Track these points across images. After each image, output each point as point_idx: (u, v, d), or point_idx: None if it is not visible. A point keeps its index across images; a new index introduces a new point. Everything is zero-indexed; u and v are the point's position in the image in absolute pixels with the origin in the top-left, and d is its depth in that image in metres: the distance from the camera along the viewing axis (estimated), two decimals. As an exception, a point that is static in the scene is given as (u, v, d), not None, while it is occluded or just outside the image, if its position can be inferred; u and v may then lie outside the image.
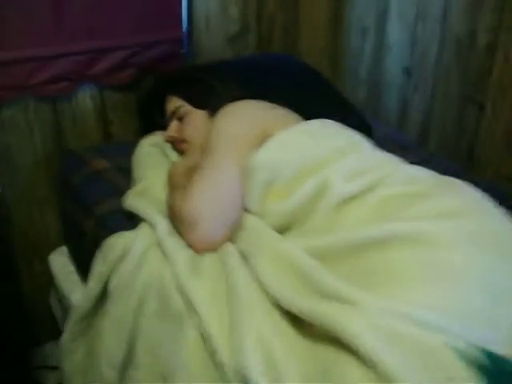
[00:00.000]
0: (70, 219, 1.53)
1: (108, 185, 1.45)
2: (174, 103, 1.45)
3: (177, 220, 1.16)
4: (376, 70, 1.96)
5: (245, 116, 1.27)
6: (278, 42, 1.93)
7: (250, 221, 1.16)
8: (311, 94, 1.63)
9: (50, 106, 1.61)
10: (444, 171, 1.20)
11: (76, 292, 1.52)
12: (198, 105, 1.43)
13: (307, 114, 1.47)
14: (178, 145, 1.45)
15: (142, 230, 1.22)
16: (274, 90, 1.54)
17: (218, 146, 1.20)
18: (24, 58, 1.51)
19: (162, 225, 1.19)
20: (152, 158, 1.45)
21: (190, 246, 1.13)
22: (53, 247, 1.69)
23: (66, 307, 1.56)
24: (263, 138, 1.21)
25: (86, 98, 1.66)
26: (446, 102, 1.75)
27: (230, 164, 1.17)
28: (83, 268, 1.48)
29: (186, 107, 1.43)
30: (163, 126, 1.54)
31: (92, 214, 1.38)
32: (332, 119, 1.48)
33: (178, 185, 1.25)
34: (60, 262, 1.66)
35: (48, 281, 1.66)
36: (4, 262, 1.70)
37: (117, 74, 1.67)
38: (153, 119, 1.60)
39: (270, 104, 1.34)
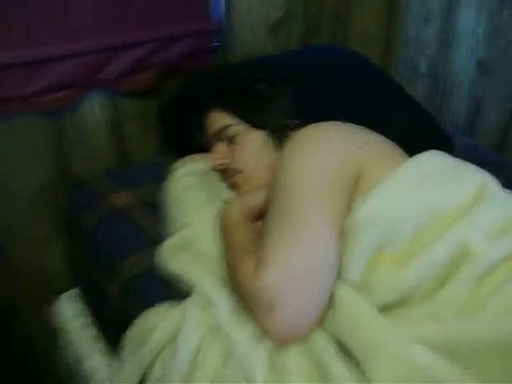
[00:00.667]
0: (85, 274, 1.19)
1: (133, 229, 1.12)
2: (221, 120, 1.13)
3: (247, 299, 0.84)
4: (440, 63, 1.62)
5: (332, 149, 0.92)
6: (327, 29, 1.58)
7: (346, 296, 0.84)
8: (386, 102, 1.30)
9: (50, 121, 1.26)
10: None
11: (94, 358, 1.20)
12: (255, 123, 1.11)
13: (385, 129, 1.17)
14: (229, 175, 1.13)
15: (193, 310, 0.90)
16: (346, 99, 1.22)
17: (300, 194, 0.86)
18: (13, 61, 1.15)
19: (226, 305, 0.87)
20: (194, 193, 1.12)
21: (267, 334, 0.81)
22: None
23: (74, 370, 1.24)
24: (358, 180, 0.89)
25: (94, 108, 1.31)
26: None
27: (321, 221, 0.84)
28: (105, 335, 1.16)
29: (237, 126, 1.11)
30: (198, 146, 1.21)
31: (116, 274, 1.05)
32: (412, 134, 1.21)
33: (237, 240, 0.95)
34: (69, 312, 1.33)
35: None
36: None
37: (133, 78, 1.32)
38: (186, 136, 1.27)
39: (356, 127, 1.00)
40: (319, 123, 0.98)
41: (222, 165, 1.13)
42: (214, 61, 1.40)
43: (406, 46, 1.68)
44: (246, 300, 0.85)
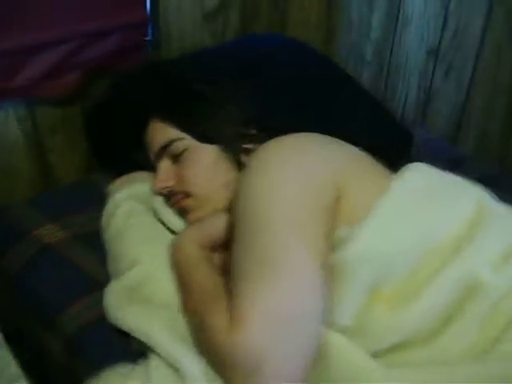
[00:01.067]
0: (11, 324, 0.99)
1: (70, 271, 0.94)
2: (163, 133, 0.95)
3: (221, 360, 0.69)
4: (387, 51, 1.52)
5: (309, 166, 0.78)
6: (265, 16, 1.42)
7: (338, 344, 0.72)
8: (338, 95, 1.17)
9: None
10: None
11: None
12: (205, 136, 0.93)
13: (339, 124, 1.07)
14: (177, 200, 0.96)
15: (159, 374, 0.75)
16: (300, 97, 1.08)
17: (275, 223, 0.72)
18: None
19: (194, 369, 0.73)
20: (139, 222, 0.95)
21: None
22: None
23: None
24: (338, 199, 0.76)
25: (9, 121, 1.09)
26: (492, 95, 1.35)
27: (302, 256, 0.70)
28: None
29: (184, 140, 0.94)
30: (134, 161, 1.04)
31: (56, 328, 0.87)
32: (373, 133, 1.11)
33: (198, 281, 0.80)
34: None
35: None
36: None
37: (52, 82, 1.11)
38: (118, 150, 1.09)
39: (329, 138, 0.86)
40: (287, 135, 0.83)
41: (168, 188, 0.96)
42: (146, 57, 1.22)
43: (351, 32, 1.57)
44: (219, 361, 0.70)
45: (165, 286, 0.85)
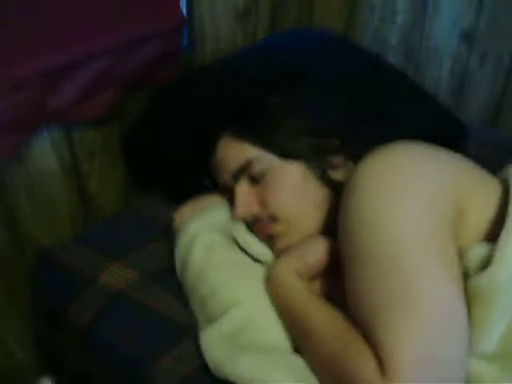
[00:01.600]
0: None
1: (149, 318, 0.84)
2: (240, 151, 0.86)
3: None
4: (415, 35, 1.45)
5: (428, 186, 0.70)
6: (293, 11, 1.32)
7: (486, 375, 0.67)
8: (399, 96, 1.09)
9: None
10: None
11: None
12: (288, 152, 0.84)
13: (399, 126, 0.99)
14: (263, 227, 0.87)
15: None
16: (362, 99, 1.01)
17: (409, 256, 0.65)
18: None
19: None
20: (224, 259, 0.85)
21: None
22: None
23: None
24: (461, 214, 0.70)
25: (45, 150, 0.97)
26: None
27: (445, 287, 0.64)
28: None
29: (265, 160, 0.84)
30: (195, 181, 0.95)
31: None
32: (430, 129, 1.02)
33: (315, 322, 0.72)
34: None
35: None
36: None
37: (89, 102, 0.99)
38: (175, 170, 0.99)
39: (433, 147, 0.78)
40: (390, 148, 0.75)
41: (253, 213, 0.87)
42: (181, 64, 1.11)
43: (371, 16, 1.48)
44: None
45: (271, 328, 0.78)
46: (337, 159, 0.84)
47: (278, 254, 0.86)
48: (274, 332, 0.78)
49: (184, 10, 1.07)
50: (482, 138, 1.24)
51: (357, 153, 0.81)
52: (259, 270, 0.84)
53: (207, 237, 0.86)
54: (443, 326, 0.62)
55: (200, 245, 0.85)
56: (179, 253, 0.86)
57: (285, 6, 1.30)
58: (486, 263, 0.65)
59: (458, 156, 0.78)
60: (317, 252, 0.80)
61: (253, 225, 0.88)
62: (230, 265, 0.84)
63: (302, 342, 0.74)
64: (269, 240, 0.87)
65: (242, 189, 0.87)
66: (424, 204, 0.68)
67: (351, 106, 0.95)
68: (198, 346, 0.77)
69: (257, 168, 0.84)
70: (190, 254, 0.85)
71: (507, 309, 0.65)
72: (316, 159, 0.84)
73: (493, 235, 0.67)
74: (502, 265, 0.63)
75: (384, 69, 1.15)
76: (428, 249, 0.65)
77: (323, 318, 0.72)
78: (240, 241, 0.88)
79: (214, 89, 0.98)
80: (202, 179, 0.94)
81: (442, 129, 1.12)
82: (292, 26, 1.34)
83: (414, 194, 0.69)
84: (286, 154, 0.84)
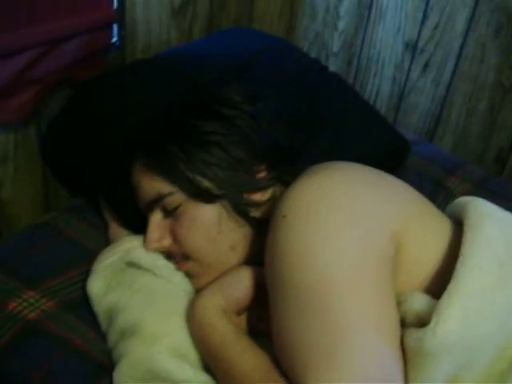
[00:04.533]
0: None
1: (65, 353, 0.74)
2: (153, 185, 0.76)
3: None
4: (357, 42, 1.40)
5: (364, 217, 0.63)
6: (233, 7, 1.24)
7: None
8: (332, 103, 1.04)
9: None
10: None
11: None
12: (200, 195, 0.74)
13: (342, 143, 0.98)
14: (177, 262, 0.79)
15: None
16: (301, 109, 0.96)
17: (335, 299, 0.58)
18: None
19: None
20: (147, 286, 0.77)
21: None
22: None
23: None
24: (397, 253, 0.63)
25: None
26: (474, 92, 1.29)
27: (379, 341, 0.57)
28: None
29: (177, 195, 0.74)
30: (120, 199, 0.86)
31: None
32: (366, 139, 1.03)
33: (237, 361, 0.65)
34: None
35: None
36: None
37: (4, 103, 0.88)
38: (90, 183, 0.90)
39: (374, 170, 0.72)
40: (319, 171, 0.68)
41: (166, 249, 0.78)
42: (108, 61, 1.01)
43: (314, 21, 1.43)
44: None
45: (196, 363, 0.71)
46: (260, 195, 0.76)
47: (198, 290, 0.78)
48: (199, 367, 0.71)
49: (115, 3, 0.97)
50: (422, 153, 1.22)
51: (288, 176, 0.75)
52: (181, 301, 0.76)
53: (123, 264, 0.79)
54: (373, 377, 0.55)
55: (126, 274, 0.78)
56: (95, 286, 0.78)
57: (224, 3, 1.22)
58: (421, 320, 0.60)
59: (402, 184, 0.72)
60: (242, 283, 0.73)
61: (169, 257, 0.79)
62: (151, 296, 0.76)
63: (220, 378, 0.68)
64: (187, 276, 0.79)
65: (155, 220, 0.77)
66: (358, 239, 0.61)
67: (291, 118, 0.88)
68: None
69: (169, 203, 0.75)
70: (111, 288, 0.77)
71: (434, 376, 0.59)
72: (235, 198, 0.74)
73: (437, 286, 0.61)
74: (434, 330, 0.57)
75: (326, 78, 1.10)
76: (360, 290, 0.59)
77: (246, 363, 0.65)
78: (143, 262, 0.79)
79: (134, 96, 0.90)
80: (122, 194, 0.84)
81: (386, 146, 1.08)
82: (230, 26, 1.26)
83: (347, 227, 0.62)
84: (199, 194, 0.74)
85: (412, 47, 1.33)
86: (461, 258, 0.60)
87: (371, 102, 1.42)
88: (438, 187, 1.11)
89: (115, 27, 0.99)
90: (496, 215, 0.67)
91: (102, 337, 0.76)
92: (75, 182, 0.98)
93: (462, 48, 1.26)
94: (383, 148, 1.06)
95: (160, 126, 0.78)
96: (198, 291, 0.76)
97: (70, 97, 0.97)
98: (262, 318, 0.73)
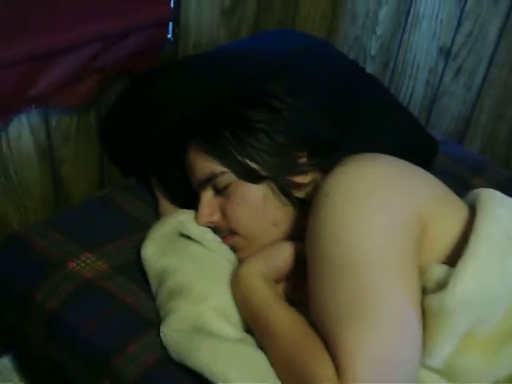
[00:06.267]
0: (54, 370, 0.89)
1: (117, 309, 0.85)
2: (207, 165, 0.86)
3: None
4: (394, 46, 1.48)
5: (394, 200, 0.72)
6: (278, 10, 1.34)
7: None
8: (374, 107, 1.12)
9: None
10: None
11: None
12: (249, 176, 0.84)
13: (378, 141, 1.06)
14: (223, 236, 0.88)
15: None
16: (337, 108, 1.03)
17: (370, 266, 0.68)
18: None
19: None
20: (196, 254, 0.87)
21: None
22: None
23: None
24: (422, 234, 0.72)
25: (23, 132, 0.97)
26: (503, 97, 1.35)
27: (403, 299, 0.67)
28: None
29: (228, 175, 0.85)
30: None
31: (115, 377, 0.79)
32: (403, 143, 1.11)
33: (278, 323, 0.74)
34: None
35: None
36: None
37: (71, 90, 0.99)
38: (149, 164, 1.00)
39: (402, 161, 0.81)
40: (358, 159, 0.77)
41: (214, 224, 0.88)
42: (162, 55, 1.11)
43: (353, 24, 1.51)
44: None
45: (236, 323, 0.80)
46: (301, 178, 0.85)
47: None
48: (239, 327, 0.80)
49: (172, 6, 1.07)
50: (450, 154, 1.29)
51: (326, 164, 0.84)
52: (226, 269, 0.85)
53: (175, 235, 0.89)
54: (397, 333, 0.65)
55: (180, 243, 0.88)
56: (150, 247, 0.88)
57: (269, 6, 1.31)
58: (441, 285, 0.68)
59: (428, 175, 0.81)
60: (283, 255, 0.82)
61: (216, 232, 0.89)
62: (201, 262, 0.86)
63: (263, 342, 0.76)
64: (232, 249, 0.89)
65: (207, 197, 0.87)
66: (389, 218, 0.70)
67: (330, 113, 0.97)
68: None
69: (220, 182, 0.85)
70: (164, 250, 0.87)
71: (455, 332, 0.68)
72: (279, 179, 0.84)
73: (453, 259, 0.69)
74: (453, 291, 0.66)
75: (363, 78, 1.18)
76: (389, 261, 0.68)
77: (285, 322, 0.74)
78: (193, 235, 0.88)
79: (186, 86, 0.99)
80: (175, 174, 0.94)
81: (416, 145, 1.16)
82: (275, 27, 1.35)
83: (381, 207, 0.71)
84: (248, 175, 0.84)
85: (446, 52, 1.40)
86: (473, 232, 0.69)
87: (405, 103, 1.49)
88: (463, 186, 1.18)
89: (170, 25, 1.10)
90: (505, 199, 0.76)
91: (151, 297, 0.86)
92: (129, 164, 1.09)
93: (493, 55, 1.33)
94: (413, 146, 1.14)
95: (214, 113, 0.88)
96: (241, 262, 0.86)
97: (127, 86, 1.07)
98: (298, 289, 0.83)
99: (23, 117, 0.96)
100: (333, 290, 0.69)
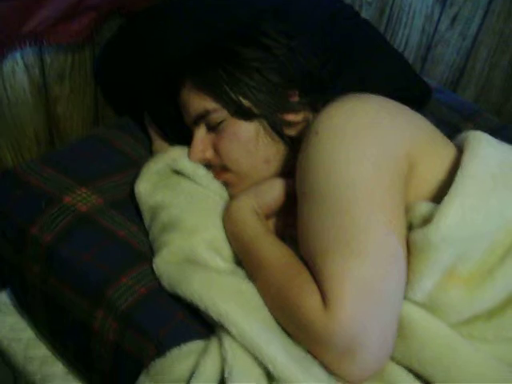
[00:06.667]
0: (50, 302, 0.92)
1: (111, 241, 0.87)
2: (200, 102, 0.88)
3: (315, 339, 0.68)
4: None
5: (383, 136, 0.74)
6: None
7: (419, 318, 0.73)
8: (367, 47, 1.13)
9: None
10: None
11: None
12: (242, 113, 0.86)
13: (367, 80, 1.07)
14: (216, 173, 0.91)
15: (236, 353, 0.72)
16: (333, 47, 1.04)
17: (357, 198, 0.70)
18: None
19: (280, 349, 0.71)
20: (188, 190, 0.89)
21: (342, 377, 0.68)
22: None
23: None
24: (409, 173, 0.74)
25: (16, 70, 0.97)
26: (498, 46, 1.35)
27: (388, 230, 0.69)
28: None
29: (221, 112, 0.87)
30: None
31: (107, 306, 0.82)
32: (395, 86, 1.11)
33: (269, 254, 0.77)
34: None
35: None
36: None
37: (65, 26, 0.99)
38: (143, 102, 1.01)
39: (392, 101, 0.81)
40: (349, 98, 0.78)
41: (203, 159, 0.90)
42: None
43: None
44: (312, 338, 0.68)
45: (227, 257, 0.83)
46: (293, 116, 0.87)
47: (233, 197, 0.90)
48: (230, 260, 0.83)
49: None
50: (443, 101, 1.30)
51: (318, 103, 0.86)
52: (218, 204, 0.88)
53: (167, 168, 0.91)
54: (382, 263, 0.67)
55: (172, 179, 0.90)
56: (145, 184, 0.90)
57: None
58: (426, 221, 0.70)
59: (417, 115, 0.81)
60: (274, 191, 0.84)
61: (209, 168, 0.91)
62: (193, 199, 0.88)
63: (253, 274, 0.79)
64: (224, 185, 0.91)
65: (199, 133, 0.89)
66: (378, 153, 0.72)
67: (323, 54, 0.98)
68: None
69: (213, 119, 0.87)
70: (156, 184, 0.89)
71: (437, 266, 0.70)
72: (270, 116, 0.86)
73: (440, 197, 0.71)
74: (437, 225, 0.67)
75: (358, 22, 1.18)
76: (376, 194, 0.70)
77: (274, 253, 0.77)
78: (186, 171, 0.90)
79: (180, 25, 0.99)
80: (169, 112, 0.96)
81: (408, 89, 1.16)
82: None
83: (370, 143, 0.72)
84: (241, 112, 0.85)
85: (442, 0, 1.39)
86: (460, 170, 0.70)
87: (400, 51, 1.49)
88: (455, 132, 1.19)
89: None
90: (492, 141, 0.77)
91: (144, 232, 0.89)
92: (123, 102, 1.10)
93: (490, 3, 1.33)
94: (405, 91, 1.15)
95: (209, 51, 0.89)
96: (232, 198, 0.88)
97: (121, 25, 1.07)
98: (288, 225, 0.85)
99: (18, 55, 0.96)
100: (320, 222, 0.71)
